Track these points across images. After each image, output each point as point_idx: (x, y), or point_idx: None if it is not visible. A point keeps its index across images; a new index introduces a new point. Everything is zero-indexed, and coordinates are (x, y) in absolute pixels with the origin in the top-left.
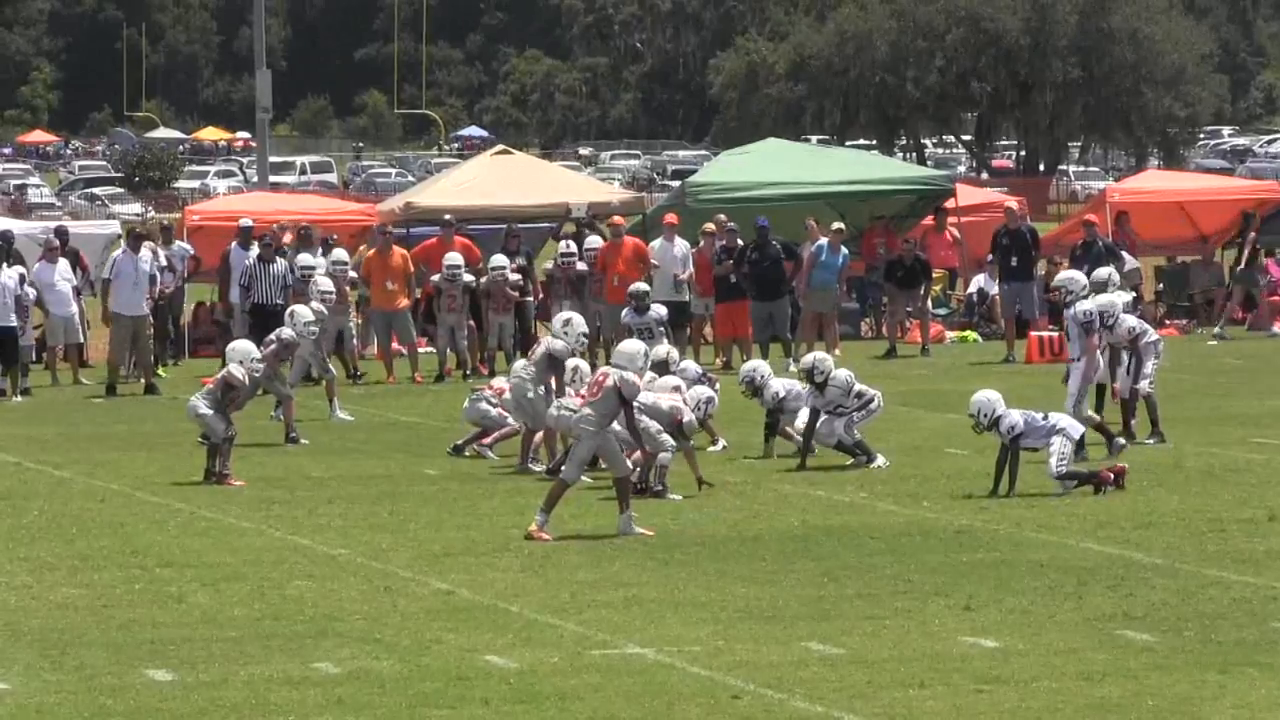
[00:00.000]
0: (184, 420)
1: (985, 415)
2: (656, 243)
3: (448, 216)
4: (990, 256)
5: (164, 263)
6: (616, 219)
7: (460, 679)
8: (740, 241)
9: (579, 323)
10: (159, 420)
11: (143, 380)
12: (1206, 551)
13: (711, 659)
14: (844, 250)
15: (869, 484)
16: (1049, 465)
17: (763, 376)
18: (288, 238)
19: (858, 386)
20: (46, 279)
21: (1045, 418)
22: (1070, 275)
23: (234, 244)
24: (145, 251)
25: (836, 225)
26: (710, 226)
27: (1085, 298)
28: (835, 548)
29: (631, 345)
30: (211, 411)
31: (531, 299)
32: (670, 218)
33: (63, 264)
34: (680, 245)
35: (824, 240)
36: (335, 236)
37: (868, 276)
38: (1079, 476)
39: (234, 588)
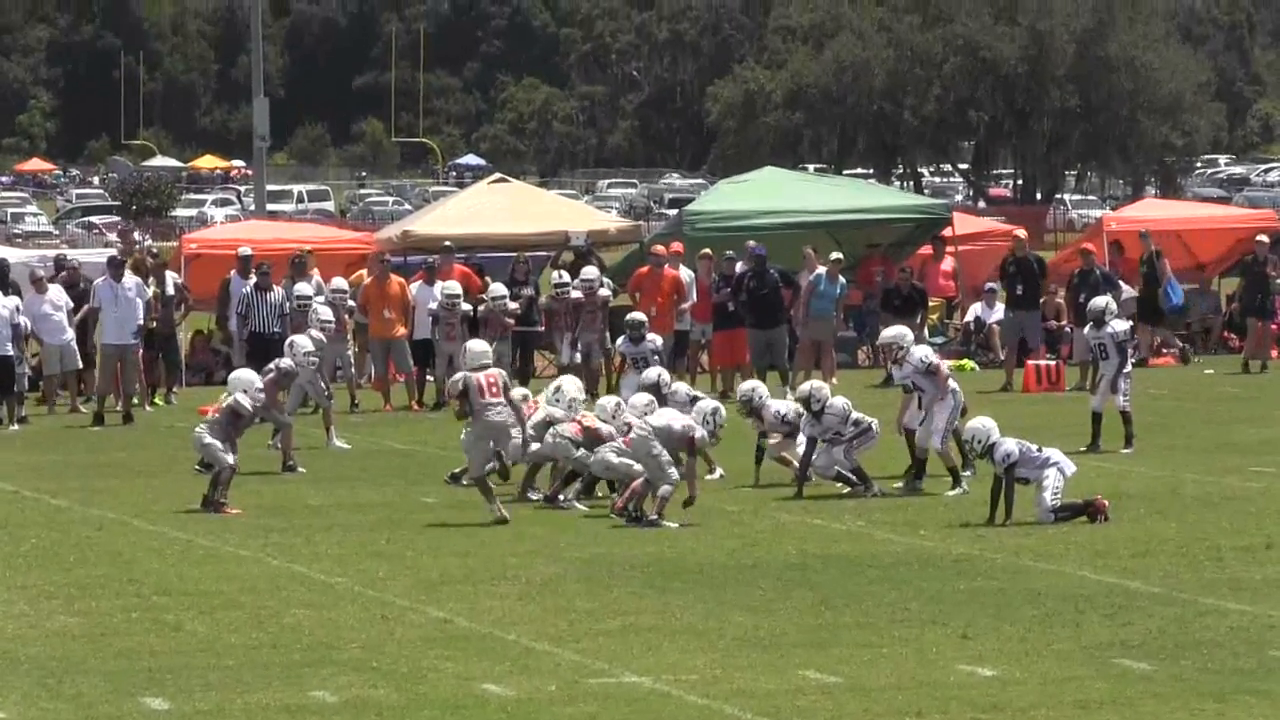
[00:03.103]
0: (180, 449)
1: (980, 442)
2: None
3: (447, 243)
4: (992, 285)
5: (170, 291)
6: (658, 249)
7: (457, 708)
8: (738, 269)
9: (569, 387)
10: (156, 448)
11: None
12: (1204, 580)
13: (709, 687)
14: (841, 279)
15: (866, 513)
16: (1040, 498)
17: (760, 397)
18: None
19: (854, 415)
20: (36, 309)
21: (1039, 450)
22: (898, 331)
23: (234, 273)
24: (129, 279)
25: (835, 255)
26: (707, 251)
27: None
28: (833, 576)
29: (641, 398)
30: (217, 441)
31: (540, 328)
32: (677, 246)
33: (54, 292)
34: (684, 274)
35: (822, 269)
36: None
37: (865, 305)
38: (1072, 509)
39: (231, 616)
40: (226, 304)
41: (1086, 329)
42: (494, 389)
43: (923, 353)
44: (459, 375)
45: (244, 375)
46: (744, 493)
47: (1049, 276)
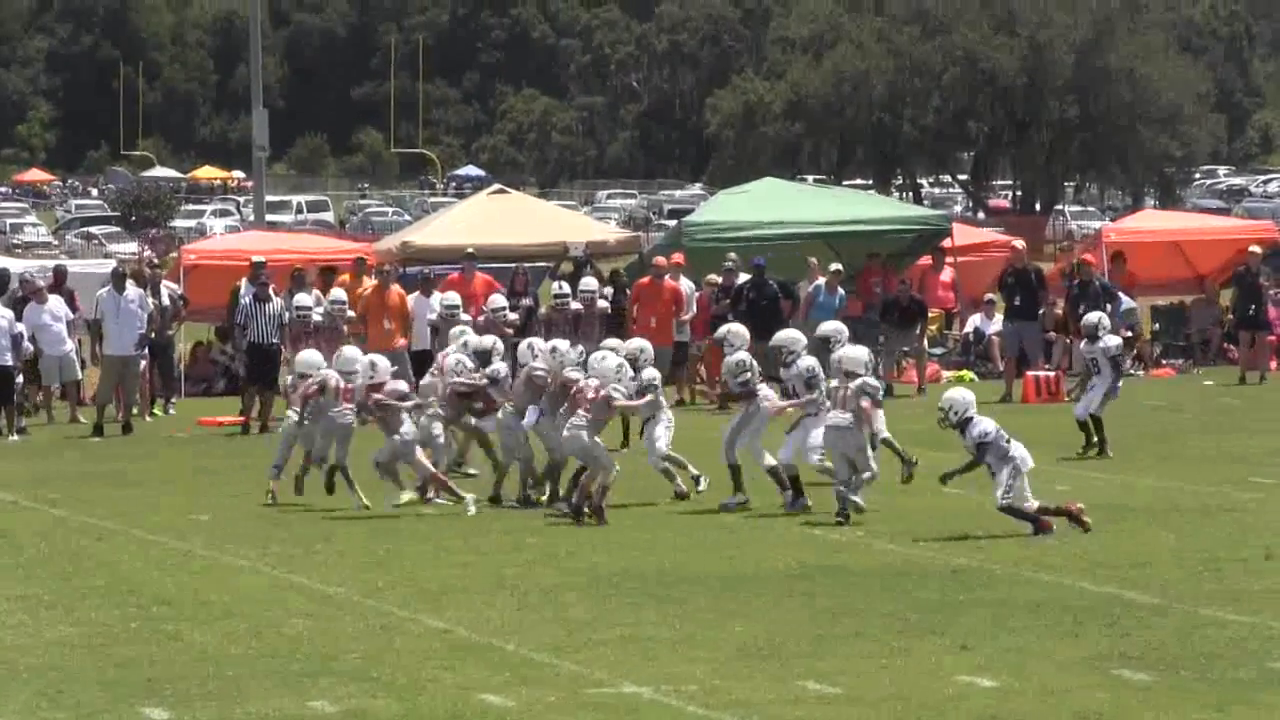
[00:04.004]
0: (178, 459)
1: (955, 413)
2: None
3: (470, 250)
4: (991, 296)
5: (166, 302)
6: (660, 260)
7: (457, 718)
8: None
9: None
10: (155, 459)
11: (130, 418)
12: (1203, 590)
13: (708, 697)
14: (840, 290)
15: (865, 523)
16: (994, 494)
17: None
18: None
19: (822, 384)
20: (35, 319)
21: (1008, 442)
22: (790, 335)
23: (244, 280)
24: (132, 290)
25: (834, 266)
26: (714, 278)
27: (804, 354)
28: (832, 586)
29: (610, 360)
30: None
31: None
32: (678, 257)
33: (54, 302)
34: (685, 285)
35: (821, 280)
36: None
37: (864, 316)
38: (1018, 513)
39: (230, 626)
40: (236, 312)
41: (1082, 344)
42: (347, 394)
43: (809, 363)
44: (323, 373)
45: (309, 357)
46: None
47: (1047, 288)
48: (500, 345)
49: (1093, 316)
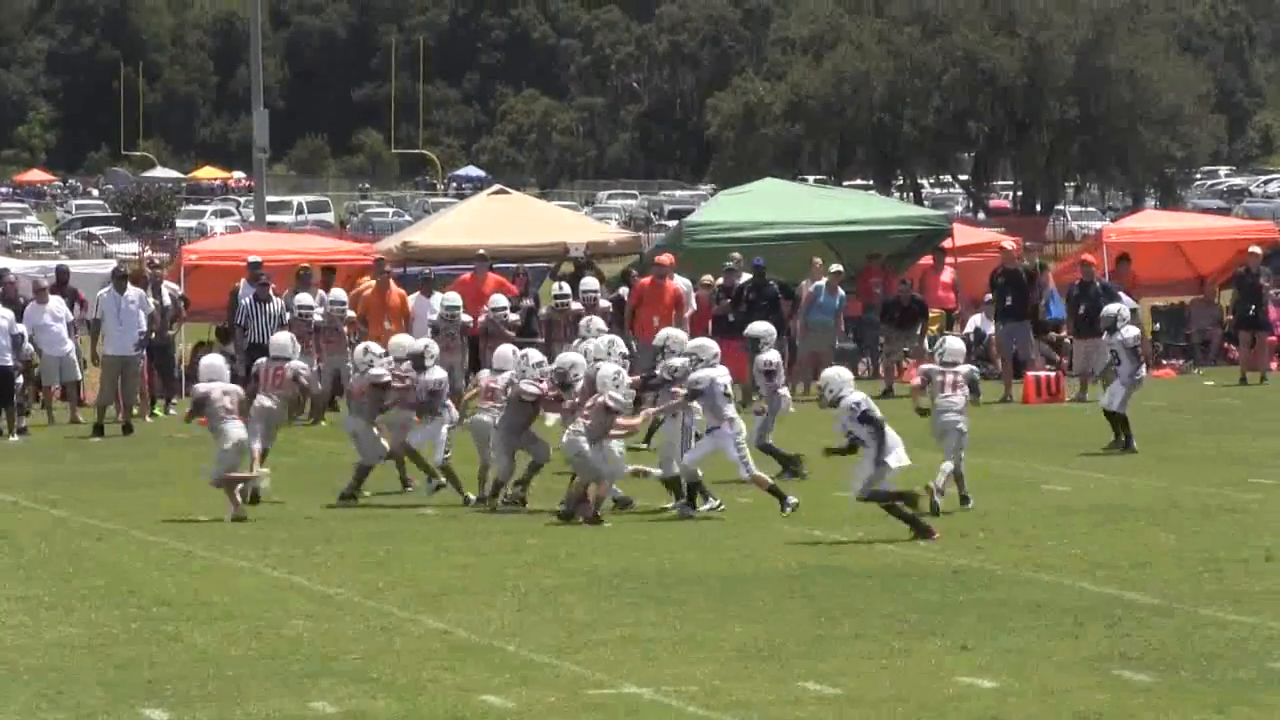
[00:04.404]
0: (178, 459)
1: (831, 391)
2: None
3: (481, 252)
4: (988, 296)
5: (167, 302)
6: (663, 258)
7: (457, 719)
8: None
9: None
10: (155, 459)
11: (130, 418)
12: (1203, 591)
13: (709, 698)
14: (841, 291)
15: (865, 524)
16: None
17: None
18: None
19: (692, 374)
20: (36, 319)
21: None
22: (701, 343)
23: (243, 281)
24: (132, 291)
25: (835, 267)
26: (708, 279)
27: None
28: (832, 587)
29: (609, 367)
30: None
31: (540, 339)
32: (666, 257)
33: (55, 303)
34: (681, 283)
35: (823, 281)
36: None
37: (865, 316)
38: (883, 495)
39: (231, 626)
40: (236, 312)
41: (1103, 336)
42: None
43: (712, 374)
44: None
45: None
46: (741, 502)
47: (1039, 288)
48: (434, 348)
49: (1111, 308)
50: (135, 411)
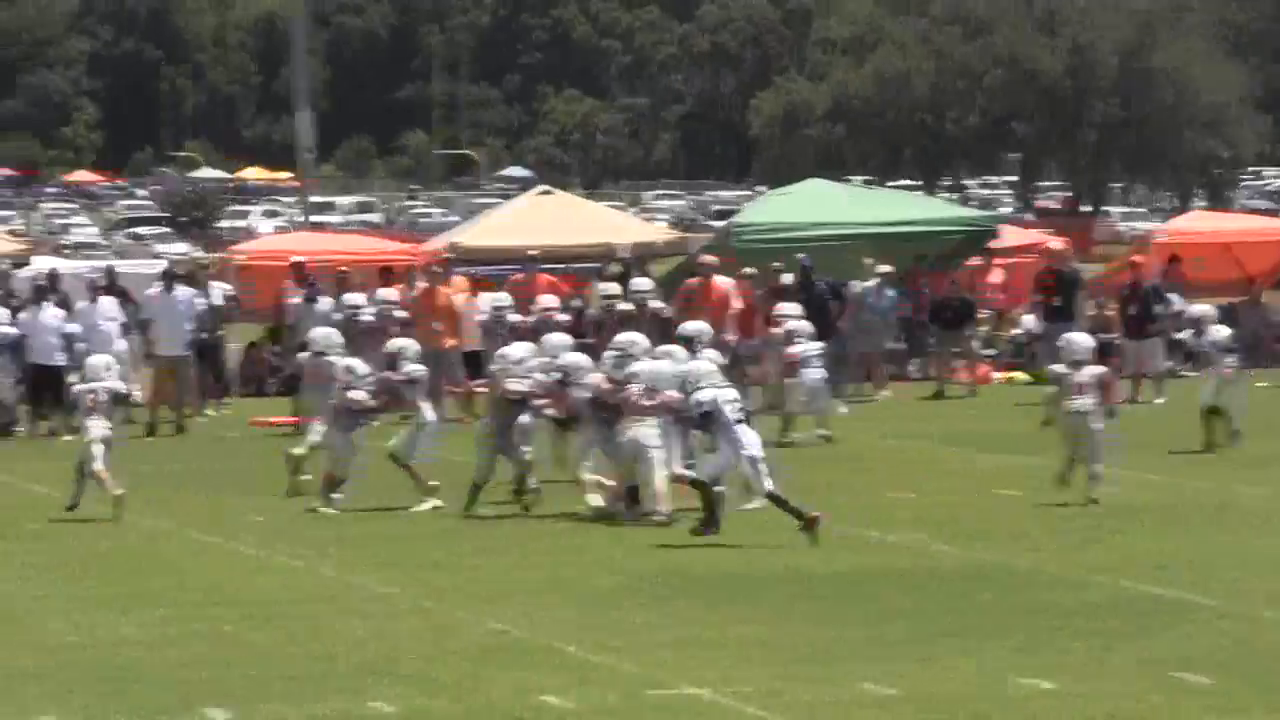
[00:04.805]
0: (231, 459)
1: (691, 383)
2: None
3: (532, 253)
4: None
5: (218, 301)
6: (707, 258)
7: (516, 719)
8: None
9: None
10: (208, 459)
11: (181, 419)
12: (1265, 593)
13: (767, 699)
14: (890, 291)
15: (924, 526)
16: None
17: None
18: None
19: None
20: (89, 319)
21: (738, 426)
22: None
23: (289, 282)
24: (182, 291)
25: (884, 268)
26: (749, 270)
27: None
28: (889, 589)
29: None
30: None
31: (590, 340)
32: (709, 258)
33: (105, 303)
34: (726, 282)
35: (872, 281)
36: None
37: (915, 317)
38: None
39: (288, 626)
40: (282, 313)
41: (1187, 334)
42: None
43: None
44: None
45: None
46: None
47: (1087, 288)
48: (415, 347)
49: (1195, 309)
50: (188, 411)
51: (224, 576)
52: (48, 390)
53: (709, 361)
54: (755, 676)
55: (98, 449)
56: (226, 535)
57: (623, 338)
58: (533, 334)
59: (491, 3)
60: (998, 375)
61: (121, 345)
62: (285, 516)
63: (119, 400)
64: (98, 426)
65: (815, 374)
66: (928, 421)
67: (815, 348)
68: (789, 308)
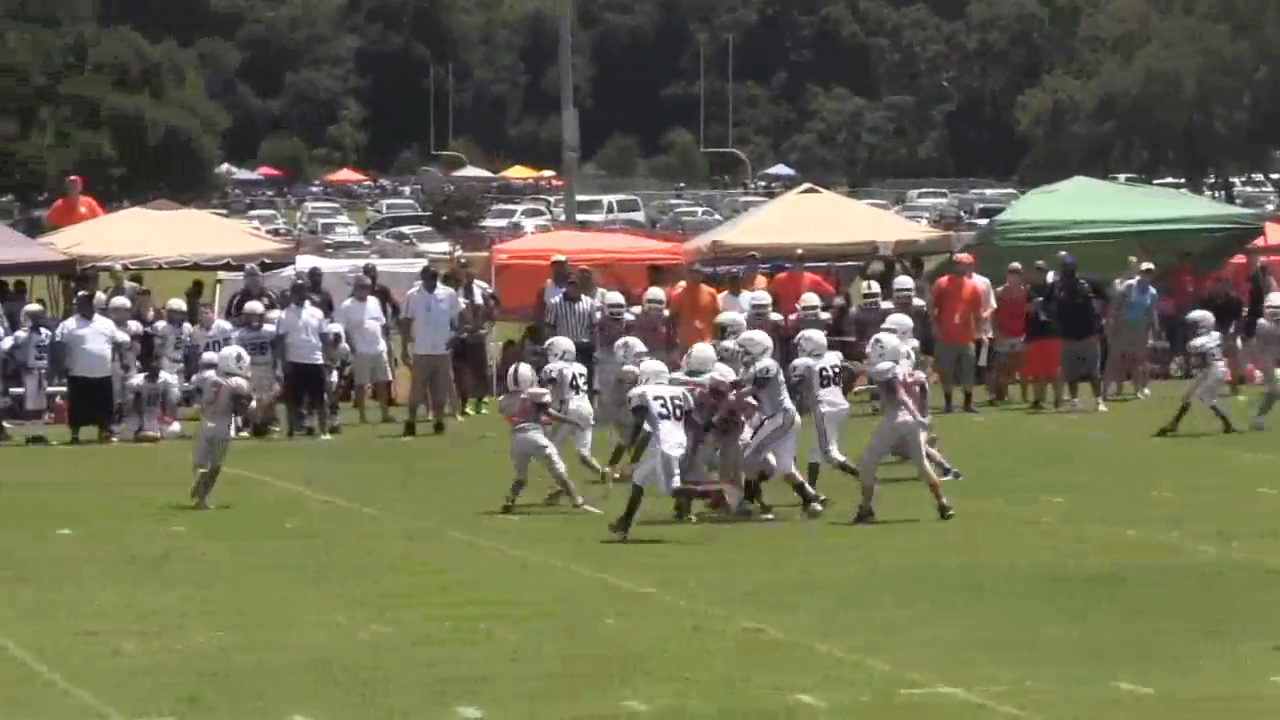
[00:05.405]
0: (489, 457)
1: (749, 351)
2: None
3: (799, 251)
4: None
5: (479, 300)
6: (963, 257)
7: (769, 718)
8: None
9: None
10: (467, 458)
11: (440, 418)
12: None
13: (1022, 698)
14: (1151, 289)
15: (1179, 523)
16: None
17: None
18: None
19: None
20: (356, 317)
21: (783, 404)
22: (750, 336)
23: (549, 281)
24: (442, 290)
25: (1145, 265)
26: (1016, 266)
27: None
28: (1145, 587)
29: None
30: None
31: (852, 339)
32: (964, 257)
33: (371, 302)
34: (981, 282)
35: (1134, 280)
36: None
37: (1177, 315)
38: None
39: (543, 625)
40: (543, 311)
41: None
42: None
43: (766, 364)
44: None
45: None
46: (1055, 502)
47: None
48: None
49: None
50: (447, 410)
51: (482, 576)
52: (306, 389)
53: (659, 362)
54: (1008, 675)
55: (207, 444)
56: (484, 535)
57: (747, 336)
58: (794, 332)
59: (759, 0)
60: (1260, 373)
61: (383, 345)
62: (542, 516)
63: (239, 400)
64: (219, 421)
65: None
66: (1189, 420)
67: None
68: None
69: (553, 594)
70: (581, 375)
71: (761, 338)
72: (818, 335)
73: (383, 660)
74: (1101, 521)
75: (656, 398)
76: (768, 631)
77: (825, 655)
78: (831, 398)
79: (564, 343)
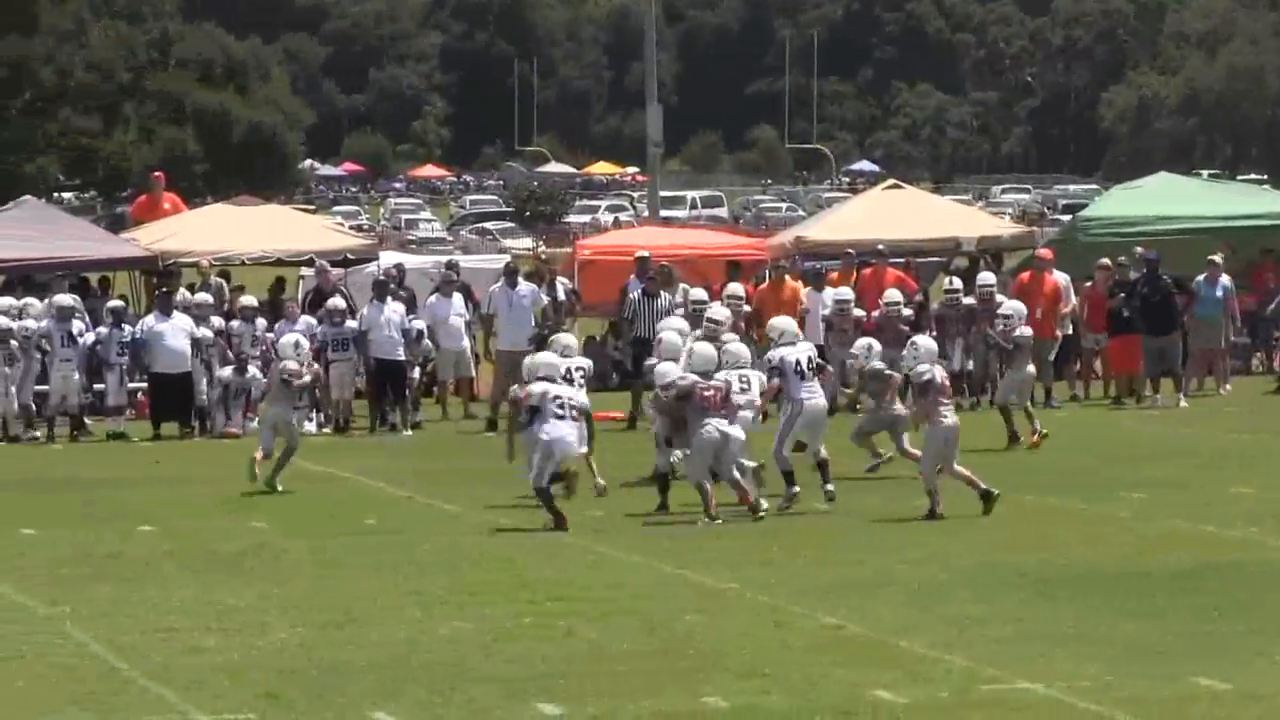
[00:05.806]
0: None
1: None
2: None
3: (880, 247)
4: None
5: (561, 296)
6: (1043, 252)
7: (848, 714)
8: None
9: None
10: None
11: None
12: None
13: (1101, 694)
14: (1224, 283)
15: (1259, 520)
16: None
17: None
18: None
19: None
20: (441, 313)
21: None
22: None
23: (633, 276)
24: (524, 286)
25: (1212, 258)
26: (1105, 262)
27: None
28: (1223, 584)
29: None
30: None
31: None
32: (1044, 252)
33: (455, 298)
34: (1061, 278)
35: (1201, 277)
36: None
37: (1259, 311)
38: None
39: (622, 622)
40: (624, 307)
41: None
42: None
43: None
44: None
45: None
46: (1134, 499)
47: None
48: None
49: None
50: None
51: (562, 572)
52: (389, 385)
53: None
54: (1088, 671)
55: (269, 429)
56: (574, 531)
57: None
58: (877, 328)
59: None
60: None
61: (466, 341)
62: (623, 512)
63: (287, 381)
64: (278, 406)
65: None
66: (1270, 416)
67: None
68: None
69: (633, 590)
70: (579, 370)
71: (739, 349)
72: (786, 323)
73: (462, 656)
74: (1181, 518)
75: (553, 398)
76: (847, 628)
77: (905, 651)
78: (810, 391)
79: (565, 338)
